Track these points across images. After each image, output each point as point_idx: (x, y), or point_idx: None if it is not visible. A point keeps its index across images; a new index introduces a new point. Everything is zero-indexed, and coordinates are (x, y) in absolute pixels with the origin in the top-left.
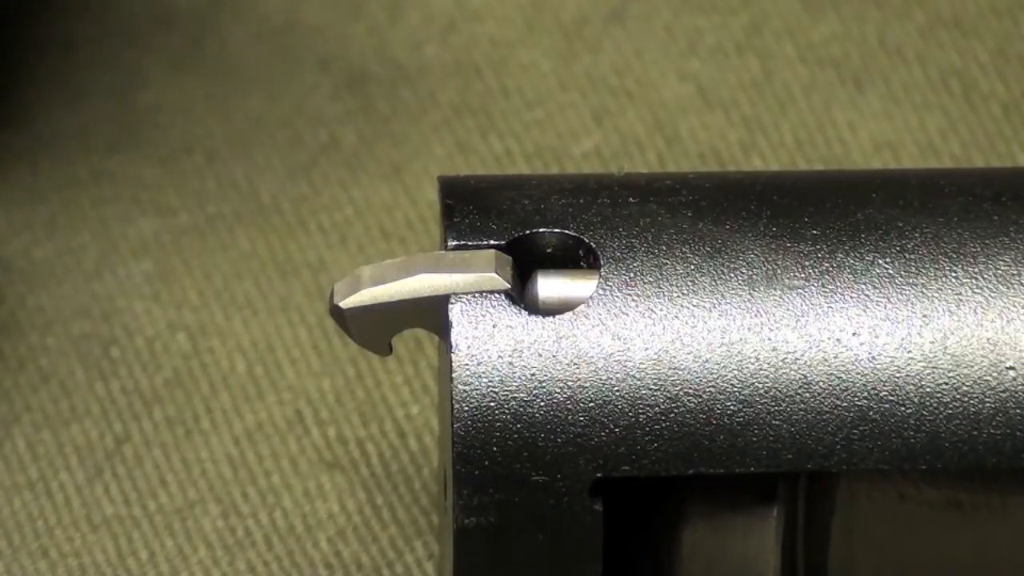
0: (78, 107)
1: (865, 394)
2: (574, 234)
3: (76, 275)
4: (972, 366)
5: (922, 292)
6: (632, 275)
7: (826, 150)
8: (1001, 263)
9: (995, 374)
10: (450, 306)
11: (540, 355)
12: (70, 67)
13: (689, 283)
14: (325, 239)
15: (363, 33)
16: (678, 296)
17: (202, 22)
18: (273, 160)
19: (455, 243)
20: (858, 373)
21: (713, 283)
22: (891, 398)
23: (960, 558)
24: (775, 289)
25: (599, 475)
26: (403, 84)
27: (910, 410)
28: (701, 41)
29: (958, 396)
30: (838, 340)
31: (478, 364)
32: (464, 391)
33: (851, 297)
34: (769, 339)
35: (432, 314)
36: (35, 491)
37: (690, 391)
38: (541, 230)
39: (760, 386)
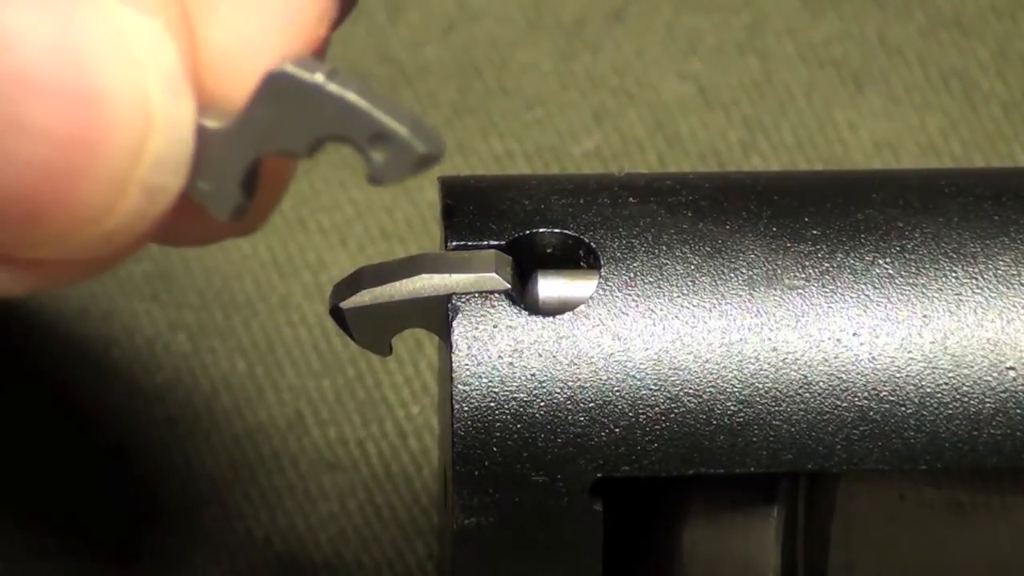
0: None
1: (865, 394)
2: (574, 234)
3: None
4: (972, 366)
5: (922, 292)
6: (632, 275)
7: (826, 150)
8: (1001, 263)
9: (995, 374)
10: (450, 306)
11: (540, 355)
12: None
13: (689, 283)
14: (325, 239)
15: (363, 33)
16: (678, 296)
17: None
18: None
19: (455, 243)
20: (858, 373)
21: (713, 283)
22: (891, 398)
23: (960, 558)
24: (775, 289)
25: (599, 475)
26: (403, 84)
27: (910, 410)
28: (701, 41)
29: (958, 396)
30: (838, 340)
31: (478, 364)
32: (464, 391)
33: (851, 297)
34: (769, 339)
35: (432, 314)
36: (36, 491)
37: (690, 391)
38: (541, 230)
39: (760, 386)
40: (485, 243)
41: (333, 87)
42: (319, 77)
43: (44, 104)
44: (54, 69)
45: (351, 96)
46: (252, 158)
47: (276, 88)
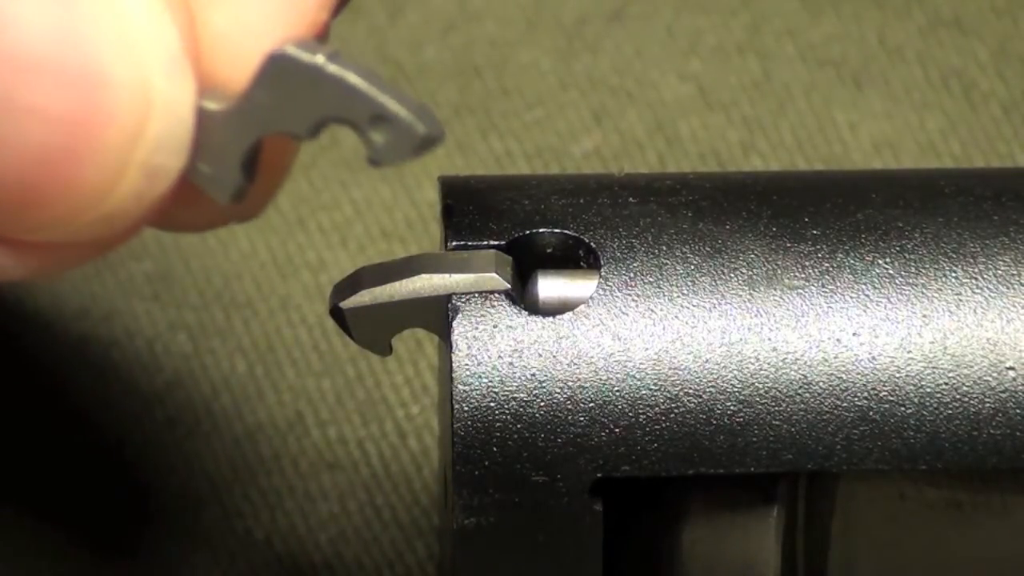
0: None
1: (865, 394)
2: (574, 234)
3: (76, 275)
4: (972, 366)
5: (922, 292)
6: (632, 275)
7: (826, 150)
8: (1001, 263)
9: (995, 374)
10: (450, 306)
11: (540, 355)
12: None
13: (689, 283)
14: (325, 239)
15: (363, 33)
16: (678, 296)
17: None
18: None
19: (455, 243)
20: (858, 373)
21: (713, 283)
22: (891, 398)
23: (960, 558)
24: (775, 289)
25: (599, 475)
26: (403, 84)
27: (910, 410)
28: (701, 41)
29: (958, 396)
30: (838, 340)
31: (478, 364)
32: (464, 391)
33: (851, 297)
34: (769, 339)
35: (432, 314)
36: (36, 492)
37: (690, 391)
38: (541, 230)
39: (760, 386)
40: (485, 243)
41: (333, 68)
42: (319, 58)
43: (44, 86)
44: (54, 51)
45: (352, 77)
46: (253, 140)
47: (277, 70)
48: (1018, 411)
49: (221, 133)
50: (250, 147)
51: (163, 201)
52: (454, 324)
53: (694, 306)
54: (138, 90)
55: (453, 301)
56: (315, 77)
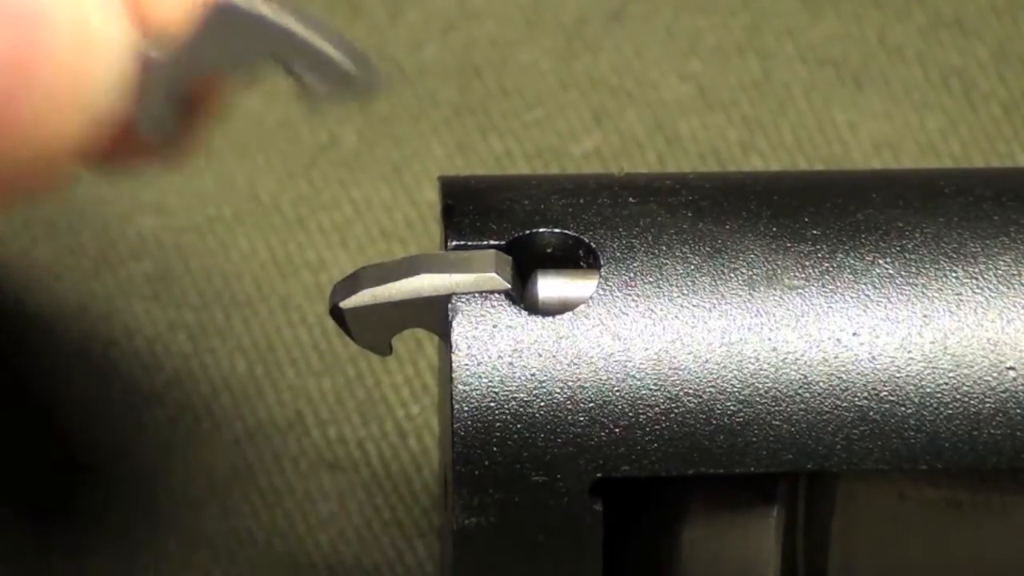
0: None
1: (865, 394)
2: (574, 234)
3: (76, 275)
4: (972, 366)
5: (922, 292)
6: (632, 275)
7: (826, 150)
8: (1001, 263)
9: (995, 374)
10: (450, 306)
11: (540, 355)
12: None
13: (689, 283)
14: (325, 239)
15: (363, 33)
16: (678, 296)
17: None
18: (273, 160)
19: (455, 243)
20: (858, 373)
21: (713, 283)
22: (891, 398)
23: (960, 558)
24: (775, 289)
25: (599, 475)
26: (403, 84)
27: (910, 410)
28: (701, 41)
29: (958, 396)
30: (838, 340)
31: (478, 364)
32: (464, 391)
33: (851, 297)
34: (769, 339)
35: (432, 314)
36: (36, 492)
37: (690, 391)
38: (541, 230)
39: (760, 386)
40: (485, 243)
41: (270, 12)
42: (257, 2)
43: None
44: None
45: (288, 21)
46: (187, 83)
47: (215, 14)
48: (1018, 411)
49: (157, 75)
50: (183, 90)
51: (99, 141)
52: (454, 324)
53: (694, 306)
54: (76, 30)
55: (453, 301)
56: (253, 21)
